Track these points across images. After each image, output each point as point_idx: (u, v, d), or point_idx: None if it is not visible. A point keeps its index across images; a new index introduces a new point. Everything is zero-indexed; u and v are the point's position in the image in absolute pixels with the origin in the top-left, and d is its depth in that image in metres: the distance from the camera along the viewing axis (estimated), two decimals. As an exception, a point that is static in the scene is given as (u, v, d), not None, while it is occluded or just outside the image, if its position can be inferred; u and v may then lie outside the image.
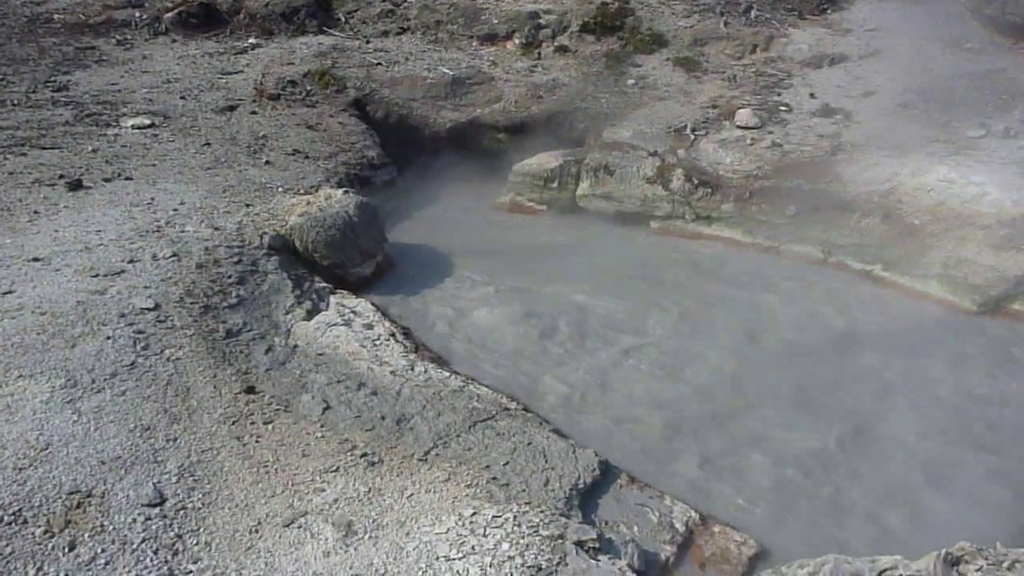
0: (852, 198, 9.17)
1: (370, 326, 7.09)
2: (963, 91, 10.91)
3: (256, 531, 4.55)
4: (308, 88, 11.56)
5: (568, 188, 10.51)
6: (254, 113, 11.04)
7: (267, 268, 7.38)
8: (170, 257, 7.04)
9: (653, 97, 11.71)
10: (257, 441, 5.25)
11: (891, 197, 9.03)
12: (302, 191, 8.82)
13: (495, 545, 4.44)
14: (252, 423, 5.41)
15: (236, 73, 12.51)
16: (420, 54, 12.80)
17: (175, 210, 8.02)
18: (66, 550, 4.21)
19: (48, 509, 4.41)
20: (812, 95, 11.31)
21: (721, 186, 9.83)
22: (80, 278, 6.56)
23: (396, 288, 8.35)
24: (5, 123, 9.94)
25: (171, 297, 6.51)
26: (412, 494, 4.94)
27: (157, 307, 6.34)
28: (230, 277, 7.03)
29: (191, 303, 6.53)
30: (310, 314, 7.09)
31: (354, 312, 7.30)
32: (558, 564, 4.34)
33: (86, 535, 4.31)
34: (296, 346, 6.55)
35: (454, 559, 4.37)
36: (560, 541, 4.48)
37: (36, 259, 6.81)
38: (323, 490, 4.90)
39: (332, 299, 7.47)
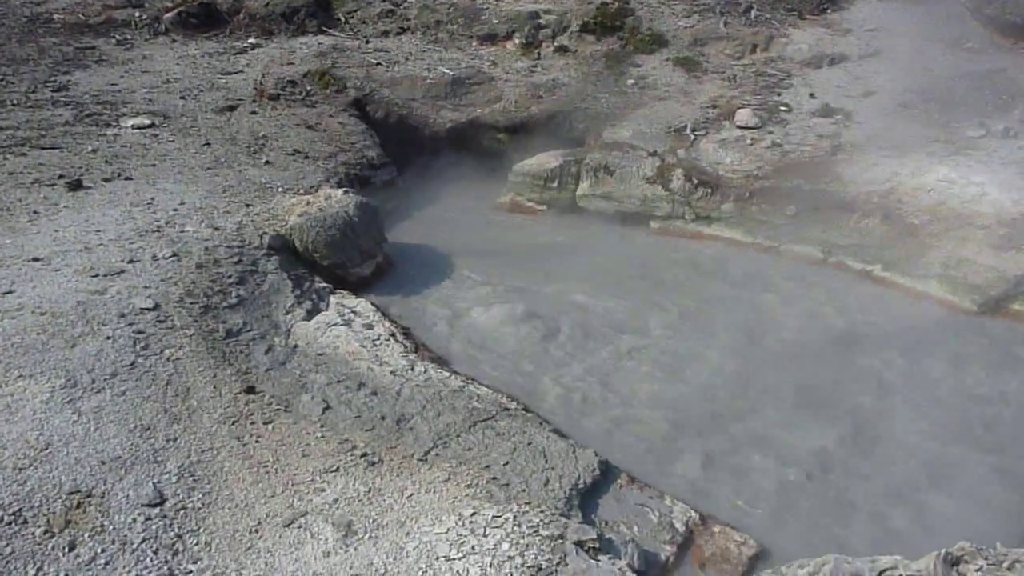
0: (852, 198, 9.17)
1: (370, 326, 7.09)
2: (963, 91, 10.91)
3: (256, 531, 4.55)
4: (308, 88, 11.56)
5: (568, 188, 10.51)
6: (254, 113, 11.04)
7: (267, 268, 7.38)
8: (170, 257, 7.04)
9: (653, 97, 11.71)
10: (257, 441, 5.25)
11: (891, 197, 9.03)
12: (302, 191, 8.82)
13: (495, 545, 4.44)
14: (252, 423, 5.41)
15: (236, 73, 12.51)
16: (420, 54, 12.80)
17: (175, 210, 8.02)
18: (66, 550, 4.21)
19: (48, 509, 4.41)
20: (812, 95, 11.31)
21: (721, 186, 9.84)
22: (80, 278, 6.56)
23: (396, 288, 8.35)
24: (5, 123, 9.94)
25: (171, 297, 6.51)
26: (412, 494, 4.94)
27: (157, 307, 6.34)
28: (230, 277, 7.03)
29: (191, 303, 6.52)
30: (310, 314, 7.09)
31: (354, 312, 7.30)
32: (558, 564, 4.34)
33: (86, 535, 4.31)
34: (296, 346, 6.55)
35: (454, 559, 4.37)
36: (560, 541, 4.48)
37: (36, 259, 6.81)
38: (323, 490, 4.90)
39: (332, 299, 7.47)
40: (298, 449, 5.24)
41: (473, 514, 4.70)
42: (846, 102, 11.01)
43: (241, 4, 14.61)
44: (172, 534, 4.43)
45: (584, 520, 4.92)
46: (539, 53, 13.10)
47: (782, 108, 11.05)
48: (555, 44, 13.19)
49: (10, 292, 6.28)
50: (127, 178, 8.73)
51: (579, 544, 4.49)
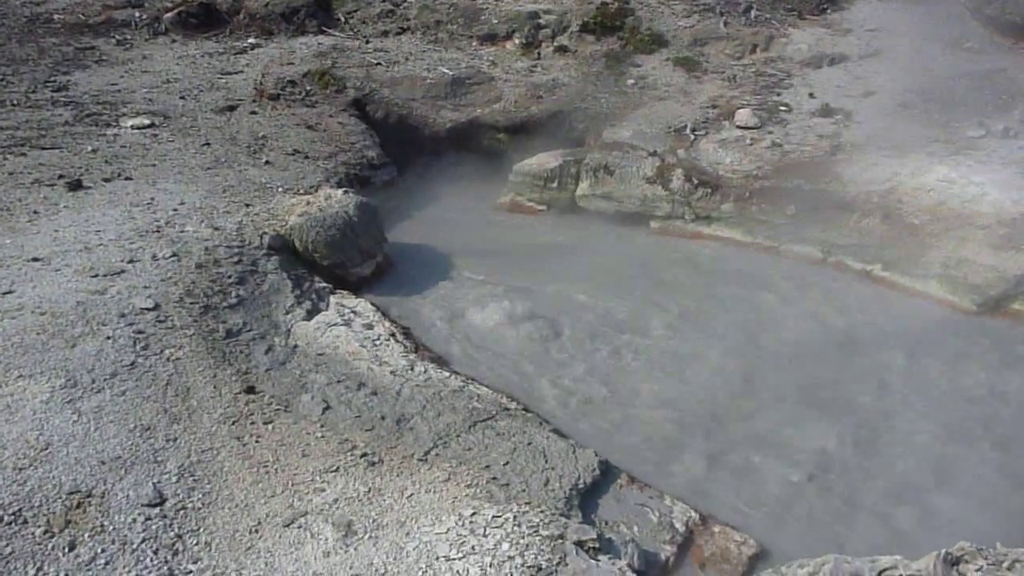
0: (852, 198, 9.17)
1: (370, 326, 7.09)
2: (963, 91, 10.91)
3: (256, 531, 4.55)
4: (308, 88, 11.56)
5: (568, 188, 10.51)
6: (254, 113, 11.04)
7: (267, 268, 7.38)
8: (170, 257, 7.04)
9: (653, 97, 11.71)
10: (257, 441, 5.25)
11: (891, 197, 9.03)
12: (302, 191, 8.82)
13: (495, 545, 4.44)
14: (252, 423, 5.41)
15: (236, 73, 12.51)
16: (420, 54, 12.80)
17: (175, 210, 8.02)
18: (66, 550, 4.21)
19: (48, 509, 4.41)
20: (812, 95, 11.32)
21: (721, 186, 9.84)
22: (80, 278, 6.56)
23: (396, 288, 8.35)
24: (5, 123, 9.94)
25: (171, 297, 6.51)
26: (412, 494, 4.94)
27: (157, 307, 6.34)
28: (230, 277, 7.03)
29: (191, 303, 6.53)
30: (310, 314, 7.09)
31: (354, 312, 7.30)
32: (558, 564, 4.34)
33: (86, 535, 4.31)
34: (296, 346, 6.55)
35: (454, 559, 4.37)
36: (560, 541, 4.49)
37: (36, 259, 6.81)
38: (323, 490, 4.90)
39: (332, 299, 7.47)
40: (298, 449, 5.24)
41: (473, 514, 4.70)
42: (846, 102, 11.01)
43: (241, 4, 14.61)
44: (172, 534, 4.43)
45: (584, 520, 4.93)
46: (539, 53, 13.10)
47: (782, 108, 11.05)
48: (555, 44, 13.19)
49: (10, 292, 6.28)
50: (127, 178, 8.73)
51: (579, 544, 4.49)
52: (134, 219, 7.73)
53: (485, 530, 4.55)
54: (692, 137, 10.51)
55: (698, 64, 12.54)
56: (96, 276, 6.61)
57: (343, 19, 14.47)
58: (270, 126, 10.65)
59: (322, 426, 5.51)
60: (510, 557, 4.35)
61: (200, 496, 4.72)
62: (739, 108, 10.89)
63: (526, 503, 4.86)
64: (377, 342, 6.82)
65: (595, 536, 4.59)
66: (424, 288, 8.40)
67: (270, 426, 5.42)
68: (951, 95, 10.84)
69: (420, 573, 4.32)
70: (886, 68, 11.83)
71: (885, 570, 4.13)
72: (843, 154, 9.82)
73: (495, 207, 10.73)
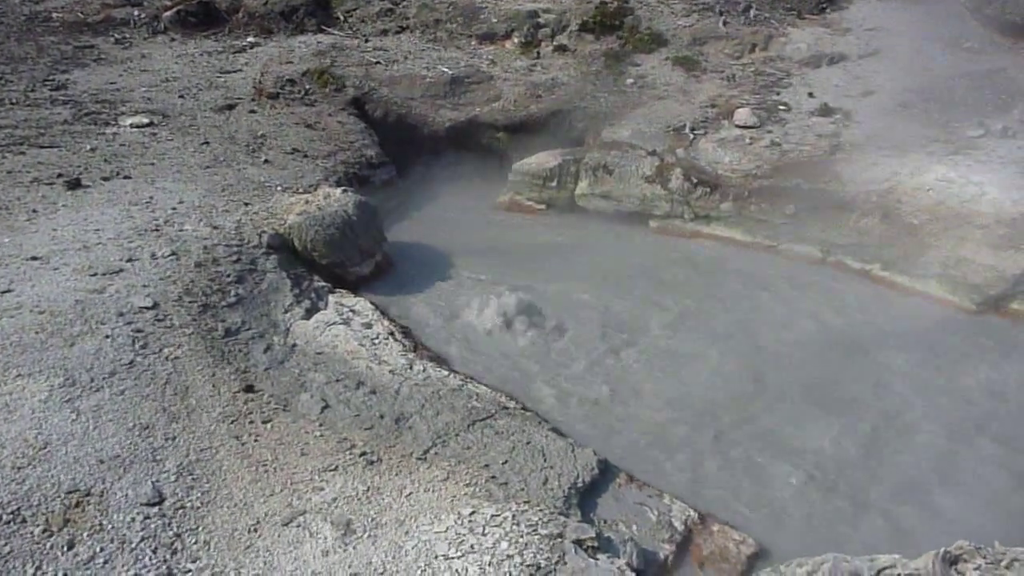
0: (851, 198, 9.17)
1: (369, 325, 7.08)
2: (962, 91, 10.92)
3: (255, 530, 4.55)
4: (307, 87, 11.56)
5: (567, 187, 10.52)
6: (253, 112, 11.04)
7: (266, 267, 7.37)
8: (169, 256, 7.04)
9: (652, 96, 11.71)
10: (256, 440, 5.25)
11: (890, 197, 9.04)
12: (301, 190, 8.82)
13: (494, 544, 4.44)
14: (251, 422, 5.41)
15: (235, 72, 12.50)
16: (419, 53, 12.80)
17: (174, 209, 8.02)
18: (65, 549, 4.21)
19: (47, 508, 4.41)
20: (811, 94, 11.32)
21: (720, 185, 9.84)
22: (79, 277, 6.56)
23: (395, 287, 8.34)
24: (3, 122, 9.93)
25: (170, 296, 6.51)
26: (411, 493, 4.94)
27: (156, 306, 6.33)
28: (229, 276, 7.03)
29: (190, 302, 6.52)
30: (309, 313, 7.08)
31: (353, 311, 7.29)
32: (557, 563, 4.34)
33: (85, 534, 4.31)
34: (295, 345, 6.54)
35: (453, 558, 4.37)
36: (559, 540, 4.49)
37: (34, 258, 6.81)
38: (322, 489, 4.89)
39: (331, 298, 7.47)
40: (297, 448, 5.24)
41: (472, 513, 4.70)
42: (845, 101, 11.02)
43: (240, 3, 14.61)
44: (171, 533, 4.43)
45: (583, 519, 4.92)
46: (538, 52, 13.10)
47: (781, 107, 11.05)
48: (554, 43, 13.19)
49: (9, 291, 6.27)
50: (126, 177, 8.73)
51: (578, 543, 4.49)
52: (133, 218, 7.73)
53: (484, 529, 4.55)
54: (691, 136, 10.51)
55: (697, 63, 12.54)
56: (95, 275, 6.61)
57: (342, 18, 14.47)
58: (269, 125, 10.64)
59: (321, 425, 5.51)
60: (509, 556, 4.35)
61: (199, 495, 4.72)
62: (738, 107, 10.90)
63: (525, 502, 4.86)
64: (376, 341, 6.82)
65: (594, 535, 4.59)
66: (423, 287, 8.40)
67: (269, 425, 5.41)
68: (950, 95, 10.85)
69: (419, 572, 4.32)
70: (885, 68, 11.84)
71: (884, 569, 4.14)
72: (842, 153, 9.83)
73: (494, 206, 10.73)
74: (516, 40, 13.30)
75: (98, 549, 4.24)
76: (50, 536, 4.26)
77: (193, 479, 4.82)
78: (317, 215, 7.89)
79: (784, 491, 5.81)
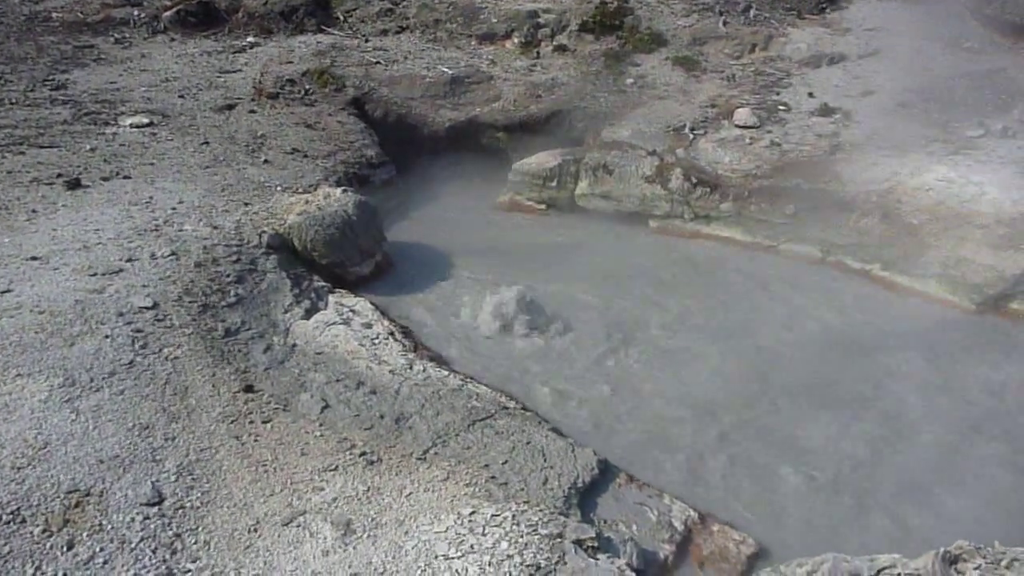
0: (851, 197, 9.17)
1: (369, 325, 7.08)
2: (962, 91, 10.92)
3: (255, 530, 4.55)
4: (307, 87, 11.55)
5: (567, 187, 10.52)
6: (253, 112, 11.03)
7: (266, 267, 7.37)
8: (168, 256, 7.03)
9: (652, 96, 11.71)
10: (256, 440, 5.25)
11: (890, 196, 9.04)
12: (301, 190, 8.82)
13: (494, 544, 4.44)
14: (251, 422, 5.40)
15: (235, 72, 12.49)
16: (419, 53, 12.80)
17: (173, 209, 8.01)
18: (64, 549, 4.20)
19: (46, 508, 4.41)
20: (811, 94, 11.32)
21: (720, 185, 9.84)
22: (78, 277, 6.55)
23: (395, 287, 8.34)
24: (3, 122, 9.92)
25: (169, 296, 6.51)
26: (411, 493, 4.94)
27: (155, 306, 6.33)
28: (229, 276, 7.02)
29: (189, 302, 6.52)
30: (309, 313, 7.08)
31: (353, 311, 7.29)
32: (557, 563, 4.33)
33: (84, 534, 4.30)
34: (295, 345, 6.54)
35: (453, 558, 4.37)
36: (559, 540, 4.48)
37: (34, 258, 6.80)
38: (322, 489, 4.89)
39: (331, 298, 7.46)
40: (297, 448, 5.23)
41: (472, 513, 4.69)
42: (845, 101, 11.02)
43: (240, 3, 14.60)
44: (171, 533, 4.43)
45: (583, 519, 4.92)
46: (538, 52, 13.10)
47: (781, 107, 11.05)
48: (554, 43, 13.19)
49: (8, 291, 6.27)
50: (126, 177, 8.72)
51: (578, 543, 4.49)
52: (132, 218, 7.72)
53: (484, 529, 4.55)
54: (691, 136, 10.51)
55: (697, 63, 12.54)
56: (94, 275, 6.60)
57: (342, 18, 14.47)
58: (269, 125, 10.64)
59: (321, 425, 5.51)
60: (509, 556, 4.35)
61: (199, 495, 4.72)
62: (738, 107, 10.90)
63: (525, 502, 4.86)
64: (376, 341, 6.82)
65: (594, 535, 4.59)
66: (423, 287, 8.40)
67: (269, 425, 5.41)
68: (950, 95, 10.85)
69: (419, 572, 4.32)
70: (885, 68, 11.84)
71: (883, 569, 4.14)
72: (842, 153, 9.83)
73: (494, 206, 10.73)
74: (516, 40, 13.30)
75: (98, 549, 4.23)
76: (50, 536, 4.26)
77: (193, 479, 4.82)
78: (317, 215, 7.88)
79: (784, 491, 5.81)
